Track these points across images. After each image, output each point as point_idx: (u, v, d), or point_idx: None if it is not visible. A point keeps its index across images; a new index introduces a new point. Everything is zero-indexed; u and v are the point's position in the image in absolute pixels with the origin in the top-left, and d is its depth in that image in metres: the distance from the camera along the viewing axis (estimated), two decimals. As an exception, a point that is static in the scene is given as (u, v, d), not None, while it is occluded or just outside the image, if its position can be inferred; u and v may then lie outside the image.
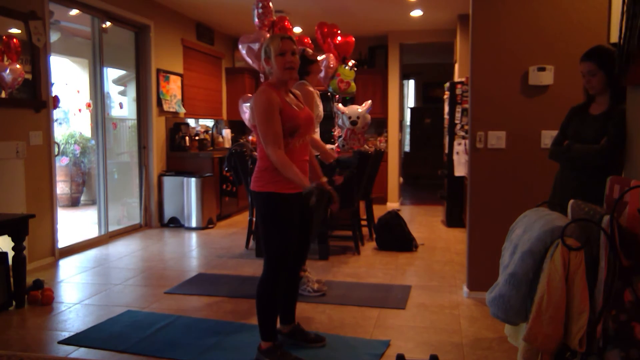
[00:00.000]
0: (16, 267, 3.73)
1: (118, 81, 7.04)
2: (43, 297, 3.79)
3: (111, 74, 6.65)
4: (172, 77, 7.04)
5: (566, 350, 2.06)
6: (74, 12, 5.73)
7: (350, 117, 5.52)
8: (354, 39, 5.94)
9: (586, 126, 2.82)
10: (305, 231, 2.96)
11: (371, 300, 3.87)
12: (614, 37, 3.00)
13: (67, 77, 7.80)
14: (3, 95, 4.44)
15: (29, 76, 4.69)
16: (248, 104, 5.03)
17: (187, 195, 6.59)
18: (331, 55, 5.77)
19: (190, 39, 7.61)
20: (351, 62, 5.91)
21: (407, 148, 12.12)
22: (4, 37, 4.42)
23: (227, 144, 8.08)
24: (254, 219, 5.32)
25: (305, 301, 3.79)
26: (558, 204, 2.60)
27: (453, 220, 6.73)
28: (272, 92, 2.75)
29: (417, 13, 7.29)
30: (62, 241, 5.27)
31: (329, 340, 3.10)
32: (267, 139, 2.70)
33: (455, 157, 6.40)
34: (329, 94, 5.97)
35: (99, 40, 5.93)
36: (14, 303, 3.72)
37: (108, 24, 6.01)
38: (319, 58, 4.44)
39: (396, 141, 8.74)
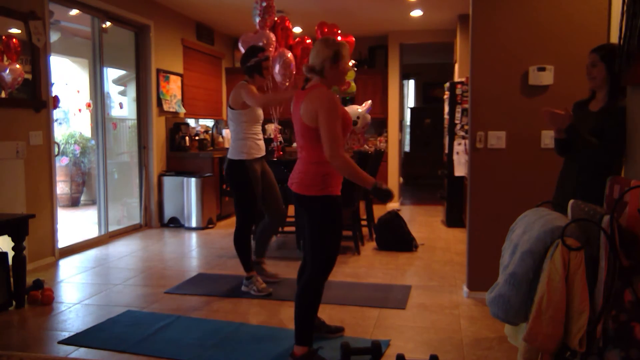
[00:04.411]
0: (16, 267, 3.73)
1: (118, 81, 7.05)
2: (43, 297, 3.79)
3: (111, 74, 6.65)
4: (172, 77, 7.04)
5: (566, 350, 2.06)
6: (74, 12, 5.73)
7: (350, 117, 5.51)
8: (354, 39, 5.94)
9: (585, 122, 2.82)
10: None
11: (371, 300, 3.87)
12: (614, 37, 3.01)
13: (67, 77, 7.80)
14: (3, 95, 4.44)
15: (29, 76, 4.69)
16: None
17: (187, 195, 6.60)
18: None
19: (190, 39, 7.61)
20: (351, 62, 5.91)
21: (407, 148, 12.11)
22: (4, 37, 4.42)
23: (227, 144, 8.08)
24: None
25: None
26: (558, 204, 2.60)
27: (453, 220, 6.72)
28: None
29: (417, 13, 7.29)
30: (62, 241, 5.27)
31: (329, 341, 3.11)
32: (336, 140, 2.62)
33: (455, 157, 6.40)
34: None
35: (99, 40, 5.93)
36: (14, 303, 3.72)
37: (108, 24, 6.01)
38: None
39: (396, 141, 8.74)
